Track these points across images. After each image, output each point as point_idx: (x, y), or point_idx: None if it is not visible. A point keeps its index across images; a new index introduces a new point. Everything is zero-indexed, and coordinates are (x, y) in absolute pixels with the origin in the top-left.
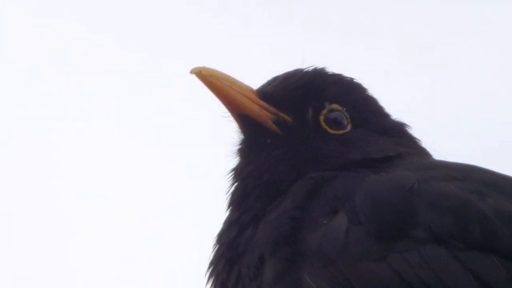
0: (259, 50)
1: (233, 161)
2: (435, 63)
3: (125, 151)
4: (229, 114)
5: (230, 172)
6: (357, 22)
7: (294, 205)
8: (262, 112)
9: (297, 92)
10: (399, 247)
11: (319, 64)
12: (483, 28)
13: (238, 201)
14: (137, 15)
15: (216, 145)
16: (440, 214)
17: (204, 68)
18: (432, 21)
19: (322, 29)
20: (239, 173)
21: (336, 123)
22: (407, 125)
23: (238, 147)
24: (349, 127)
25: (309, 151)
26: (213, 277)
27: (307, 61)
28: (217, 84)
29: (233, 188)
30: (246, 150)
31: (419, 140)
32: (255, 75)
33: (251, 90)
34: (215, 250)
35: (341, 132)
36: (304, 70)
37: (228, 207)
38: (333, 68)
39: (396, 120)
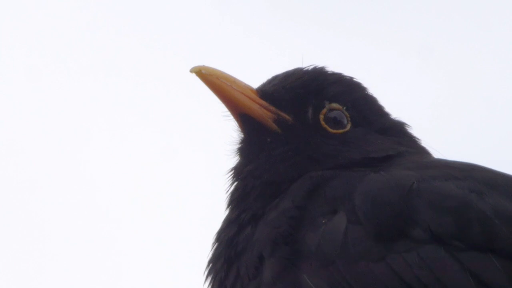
0: (259, 49)
1: (233, 160)
2: (435, 63)
3: (125, 151)
4: (229, 113)
5: (230, 171)
6: (357, 21)
7: (293, 205)
8: (262, 111)
9: (297, 91)
10: (398, 247)
11: (319, 63)
12: (483, 28)
13: (237, 200)
14: (138, 14)
15: (216, 144)
16: (439, 214)
17: (204, 67)
18: (432, 21)
19: (322, 28)
20: (239, 172)
21: (336, 122)
22: (406, 124)
23: (238, 146)
24: (349, 126)
25: (309, 150)
26: (211, 276)
27: (307, 60)
28: (217, 83)
29: (232, 187)
30: (246, 149)
31: (419, 139)
32: (255, 74)
33: (251, 89)
34: (214, 248)
35: (341, 131)
36: (304, 69)
37: (228, 206)
38: (333, 67)
39: (396, 119)
